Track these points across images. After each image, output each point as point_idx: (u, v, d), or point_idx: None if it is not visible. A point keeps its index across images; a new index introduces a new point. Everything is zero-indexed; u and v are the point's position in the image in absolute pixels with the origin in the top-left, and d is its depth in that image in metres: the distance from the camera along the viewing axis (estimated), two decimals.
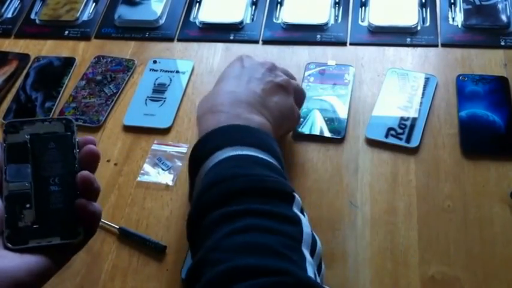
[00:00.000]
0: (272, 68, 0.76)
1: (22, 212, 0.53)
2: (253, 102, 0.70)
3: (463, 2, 0.97)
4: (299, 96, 0.78)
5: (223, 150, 0.61)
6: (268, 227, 0.52)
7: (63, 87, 0.94)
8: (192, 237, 0.58)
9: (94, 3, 1.08)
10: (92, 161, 0.57)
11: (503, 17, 0.94)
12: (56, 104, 0.91)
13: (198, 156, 0.64)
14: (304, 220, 0.56)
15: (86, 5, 1.07)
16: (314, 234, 0.56)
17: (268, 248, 0.50)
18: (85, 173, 0.55)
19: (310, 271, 0.50)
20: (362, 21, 0.98)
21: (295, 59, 0.94)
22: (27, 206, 0.53)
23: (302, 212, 0.57)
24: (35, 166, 0.54)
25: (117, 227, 0.75)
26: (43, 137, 0.55)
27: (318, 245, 0.56)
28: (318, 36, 0.97)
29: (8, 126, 0.55)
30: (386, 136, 0.81)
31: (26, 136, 0.55)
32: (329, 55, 0.94)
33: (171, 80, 0.93)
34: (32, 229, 0.52)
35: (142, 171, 0.81)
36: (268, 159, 0.62)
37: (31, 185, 0.53)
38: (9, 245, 0.51)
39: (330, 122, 0.84)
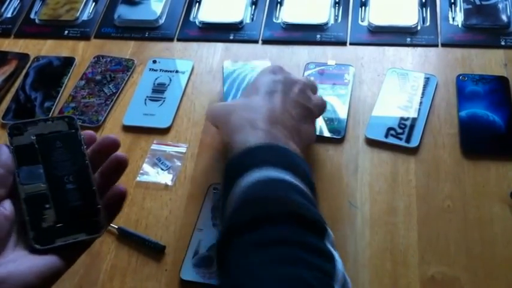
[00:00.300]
0: (304, 88, 0.74)
1: (43, 212, 0.53)
2: (289, 125, 0.68)
3: (463, 1, 0.97)
4: (319, 112, 0.78)
5: (262, 170, 0.59)
6: (302, 259, 0.50)
7: (63, 87, 0.94)
8: (222, 257, 0.55)
9: (94, 3, 1.08)
10: (120, 168, 0.57)
11: (504, 17, 0.94)
12: (55, 103, 0.91)
13: (235, 169, 0.62)
14: (337, 256, 0.54)
15: (86, 4, 1.07)
16: (345, 273, 0.54)
17: (301, 281, 0.48)
18: (120, 154, 0.56)
19: None
20: (362, 21, 0.98)
21: (294, 59, 0.94)
22: (47, 206, 0.53)
23: (333, 247, 0.56)
24: (47, 166, 0.54)
25: (116, 227, 0.75)
26: (49, 136, 0.55)
27: (348, 286, 0.54)
28: (318, 36, 0.97)
29: (12, 128, 0.55)
30: (386, 136, 0.81)
31: (32, 137, 0.55)
32: (329, 55, 0.94)
33: (170, 79, 0.93)
34: (56, 228, 0.52)
35: (141, 171, 0.81)
36: (304, 187, 0.60)
37: (46, 186, 0.53)
38: (37, 246, 0.51)
39: (329, 121, 0.83)
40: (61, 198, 0.53)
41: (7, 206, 0.53)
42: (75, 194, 0.54)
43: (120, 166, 0.57)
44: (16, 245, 0.53)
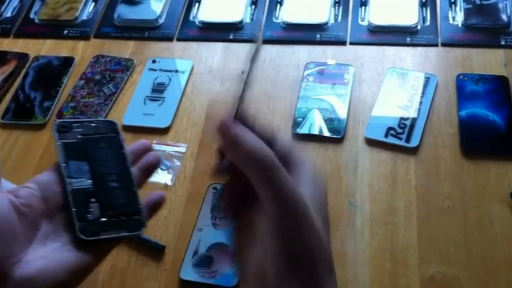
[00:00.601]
0: None
1: (89, 206, 0.54)
2: None
3: (463, 1, 0.97)
4: None
5: None
6: None
7: (62, 87, 0.94)
8: None
9: (93, 3, 1.08)
10: (155, 165, 0.59)
11: (504, 17, 0.94)
12: (54, 103, 0.91)
13: None
14: None
15: (86, 4, 1.07)
16: None
17: None
18: (155, 153, 0.58)
19: None
20: (362, 21, 0.98)
21: (294, 59, 0.94)
22: (92, 200, 0.54)
23: None
24: (91, 164, 0.56)
25: None
26: (94, 137, 0.58)
27: None
28: (318, 35, 0.96)
29: (59, 126, 0.57)
30: (386, 136, 0.81)
31: (79, 136, 0.57)
32: (329, 54, 0.94)
33: (170, 79, 0.93)
34: (100, 222, 0.54)
35: None
36: None
37: (92, 182, 0.55)
38: (83, 237, 0.52)
39: (329, 121, 0.83)
40: (105, 195, 0.55)
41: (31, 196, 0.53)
42: (118, 192, 0.55)
43: (155, 163, 0.59)
44: (46, 240, 0.51)
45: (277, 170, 0.41)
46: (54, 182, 0.53)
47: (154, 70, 0.95)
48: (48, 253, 0.50)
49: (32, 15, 1.07)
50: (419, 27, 0.95)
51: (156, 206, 0.58)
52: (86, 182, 0.55)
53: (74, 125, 0.58)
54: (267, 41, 0.97)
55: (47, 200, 0.52)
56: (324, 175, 0.47)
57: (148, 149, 0.60)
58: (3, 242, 0.49)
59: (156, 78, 0.93)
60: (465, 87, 0.86)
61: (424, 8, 0.98)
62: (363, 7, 1.00)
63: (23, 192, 0.51)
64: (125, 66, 0.95)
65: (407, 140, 0.80)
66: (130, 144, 0.59)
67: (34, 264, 0.49)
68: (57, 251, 0.51)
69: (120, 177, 0.56)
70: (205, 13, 1.02)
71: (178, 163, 0.81)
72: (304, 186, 0.44)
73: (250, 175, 0.42)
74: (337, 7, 1.00)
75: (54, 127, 0.57)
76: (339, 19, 0.99)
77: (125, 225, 0.54)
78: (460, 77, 0.87)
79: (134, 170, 0.57)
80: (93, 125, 0.58)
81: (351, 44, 0.95)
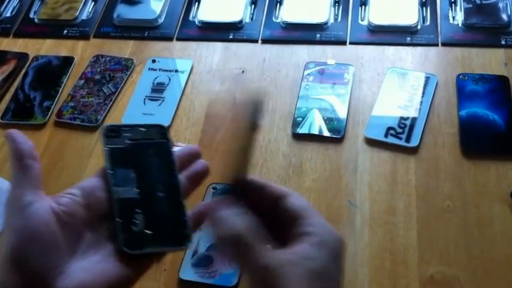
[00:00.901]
0: None
1: (134, 217, 0.51)
2: None
3: (463, 1, 0.97)
4: None
5: None
6: None
7: (62, 87, 0.94)
8: None
9: (93, 2, 1.07)
10: (203, 175, 0.56)
11: (504, 16, 0.94)
12: (54, 103, 0.91)
13: None
14: None
15: (85, 4, 1.07)
16: None
17: None
18: (204, 161, 0.55)
19: None
20: (362, 20, 0.98)
21: (294, 58, 0.93)
22: (138, 211, 0.51)
23: None
24: (139, 172, 0.53)
25: None
26: (142, 143, 0.55)
27: None
28: (318, 35, 0.96)
29: (107, 130, 0.54)
30: (386, 136, 0.81)
31: (126, 141, 0.54)
32: (329, 54, 0.93)
33: (170, 79, 0.93)
34: (145, 234, 0.50)
35: None
36: None
37: (138, 191, 0.52)
38: (127, 250, 0.49)
39: (329, 121, 0.83)
40: (151, 205, 0.52)
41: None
42: (164, 203, 0.52)
43: (205, 172, 0.56)
44: (88, 250, 0.49)
45: (247, 249, 0.45)
46: (99, 188, 0.51)
47: (154, 70, 0.95)
48: (89, 265, 0.48)
49: (31, 15, 1.07)
50: (419, 26, 0.95)
51: (203, 217, 0.54)
52: (133, 192, 0.51)
53: (122, 129, 0.54)
54: (267, 41, 0.97)
55: (90, 207, 0.50)
56: (339, 240, 0.48)
57: (196, 156, 0.56)
58: (46, 252, 0.47)
59: (155, 78, 0.93)
60: (465, 87, 0.85)
61: (424, 8, 0.98)
62: (363, 7, 1.00)
63: (65, 199, 0.49)
64: (124, 66, 0.95)
65: (407, 140, 0.80)
66: (178, 149, 0.56)
67: (75, 276, 0.46)
68: (98, 263, 0.48)
69: (167, 186, 0.53)
70: (205, 13, 1.02)
71: None
72: (305, 258, 0.46)
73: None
74: (337, 7, 1.00)
75: (103, 131, 0.54)
76: (339, 19, 0.98)
77: (170, 238, 0.51)
78: (460, 76, 0.87)
79: (181, 178, 0.54)
80: (142, 129, 0.55)
81: (350, 43, 0.95)
